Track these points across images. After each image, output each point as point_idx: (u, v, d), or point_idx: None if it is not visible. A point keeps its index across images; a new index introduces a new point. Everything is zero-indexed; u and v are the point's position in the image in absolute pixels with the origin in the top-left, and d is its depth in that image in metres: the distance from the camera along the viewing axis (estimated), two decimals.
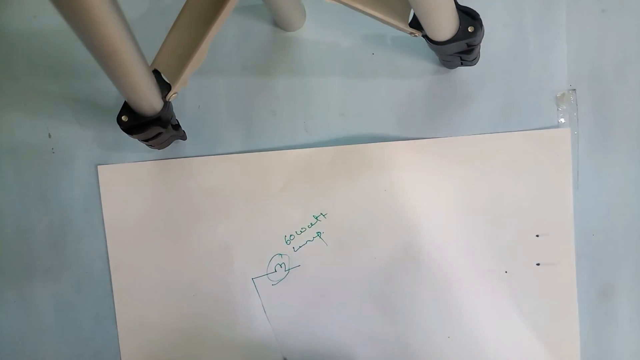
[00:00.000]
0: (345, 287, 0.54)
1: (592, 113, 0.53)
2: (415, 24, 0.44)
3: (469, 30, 0.44)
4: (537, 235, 0.52)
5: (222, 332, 0.55)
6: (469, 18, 0.44)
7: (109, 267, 0.57)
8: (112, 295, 0.56)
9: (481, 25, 0.44)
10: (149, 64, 0.42)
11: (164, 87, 0.45)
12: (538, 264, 0.52)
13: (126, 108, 0.46)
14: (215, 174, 0.56)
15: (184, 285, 0.56)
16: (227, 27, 0.55)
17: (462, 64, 0.51)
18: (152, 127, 0.46)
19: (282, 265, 0.55)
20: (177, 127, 0.52)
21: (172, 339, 0.56)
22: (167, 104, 0.46)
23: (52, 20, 0.58)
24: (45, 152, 0.58)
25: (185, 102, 0.56)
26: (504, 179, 0.52)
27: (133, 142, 0.54)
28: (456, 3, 0.43)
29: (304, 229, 0.55)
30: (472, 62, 0.51)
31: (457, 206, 0.53)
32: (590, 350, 0.52)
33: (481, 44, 0.48)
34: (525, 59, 0.53)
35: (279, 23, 0.55)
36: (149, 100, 0.44)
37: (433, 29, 0.43)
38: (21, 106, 0.58)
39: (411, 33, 0.45)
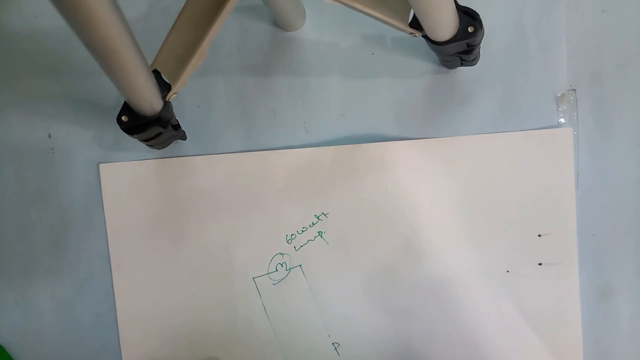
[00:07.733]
0: (346, 286, 0.54)
1: (592, 113, 0.53)
2: (415, 24, 0.44)
3: (469, 31, 0.44)
4: (539, 235, 0.52)
5: (222, 331, 0.55)
6: (469, 18, 0.44)
7: (109, 266, 0.57)
8: (113, 295, 0.57)
9: (481, 25, 0.44)
10: (149, 64, 0.42)
11: (164, 87, 0.46)
12: (540, 264, 0.52)
13: (126, 108, 0.46)
14: (216, 173, 0.56)
15: (185, 284, 0.56)
16: (227, 27, 0.55)
17: (462, 64, 0.51)
18: (152, 127, 0.46)
19: (283, 264, 0.55)
20: (177, 127, 0.52)
21: (172, 338, 0.56)
22: (167, 104, 0.46)
23: (52, 20, 0.58)
24: (45, 152, 0.58)
25: (185, 102, 0.56)
26: (505, 178, 0.52)
27: (133, 142, 0.54)
28: (456, 3, 0.43)
29: (305, 229, 0.55)
30: (472, 62, 0.51)
31: (459, 206, 0.53)
32: (590, 350, 0.52)
33: (481, 44, 0.48)
34: (525, 59, 0.53)
35: (279, 23, 0.55)
36: (149, 100, 0.44)
37: (433, 29, 0.43)
38: (21, 106, 0.58)
39: (411, 33, 0.45)
